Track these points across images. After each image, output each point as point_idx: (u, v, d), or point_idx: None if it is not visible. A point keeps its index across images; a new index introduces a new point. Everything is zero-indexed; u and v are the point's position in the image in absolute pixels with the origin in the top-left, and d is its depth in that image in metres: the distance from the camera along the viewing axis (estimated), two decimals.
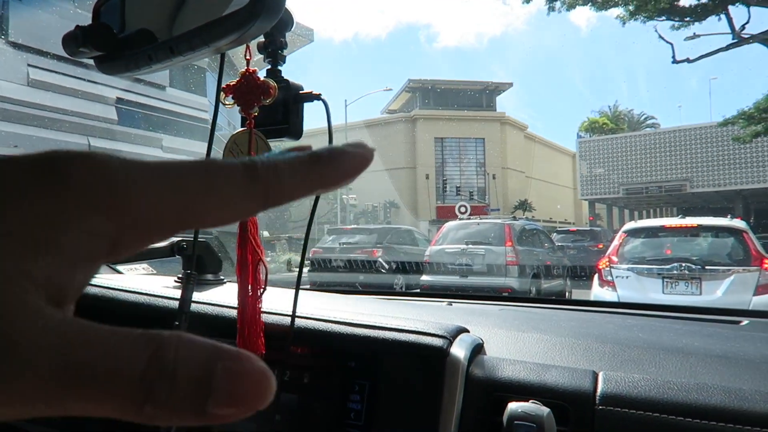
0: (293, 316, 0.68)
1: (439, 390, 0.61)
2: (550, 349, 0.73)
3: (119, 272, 1.02)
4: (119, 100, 15.99)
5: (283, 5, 0.58)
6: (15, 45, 14.04)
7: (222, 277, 0.96)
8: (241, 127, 0.71)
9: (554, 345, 0.74)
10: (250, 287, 0.66)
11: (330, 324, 0.70)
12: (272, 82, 0.69)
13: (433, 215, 29.17)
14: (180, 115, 17.55)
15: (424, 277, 8.11)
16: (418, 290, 7.14)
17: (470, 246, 7.95)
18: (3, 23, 13.42)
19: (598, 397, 0.59)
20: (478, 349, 0.67)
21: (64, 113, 14.56)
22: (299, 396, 0.68)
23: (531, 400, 0.58)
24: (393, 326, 0.68)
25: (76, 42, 0.68)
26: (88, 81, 14.88)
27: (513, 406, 0.58)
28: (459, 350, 0.64)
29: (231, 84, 0.69)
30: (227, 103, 0.69)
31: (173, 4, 0.65)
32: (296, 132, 0.76)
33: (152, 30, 0.67)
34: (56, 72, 14.47)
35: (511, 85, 38.67)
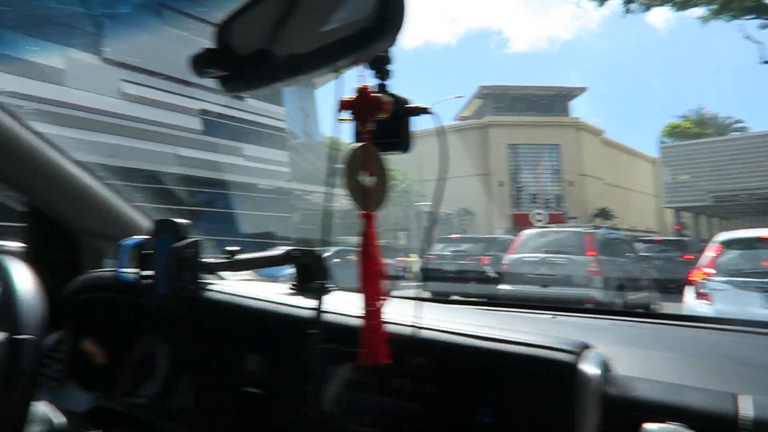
0: (415, 326, 0.69)
1: (571, 407, 0.60)
2: (677, 367, 0.69)
3: (222, 278, 1.07)
4: (203, 111, 16.80)
5: (405, 22, 0.59)
6: (109, 61, 15.10)
7: (329, 286, 0.98)
8: (356, 141, 0.72)
9: (681, 363, 0.70)
10: (371, 297, 0.68)
11: (453, 336, 0.71)
12: (386, 98, 0.71)
13: (507, 223, 28.64)
14: (259, 125, 18.22)
15: (503, 286, 7.96)
16: (502, 300, 7.02)
17: (550, 255, 7.73)
18: (98, 42, 14.43)
19: (741, 421, 0.55)
20: (606, 366, 0.65)
21: (153, 124, 15.48)
22: (424, 406, 0.69)
23: (668, 422, 0.56)
24: (517, 340, 0.67)
25: (202, 63, 0.72)
26: (175, 93, 15.75)
27: (651, 427, 0.55)
28: (590, 366, 0.62)
29: (347, 99, 0.71)
30: (343, 118, 0.71)
31: (295, 25, 0.67)
32: (406, 145, 0.77)
33: (273, 51, 0.70)
34: (146, 86, 15.42)
35: (585, 89, 37.43)
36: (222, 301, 0.88)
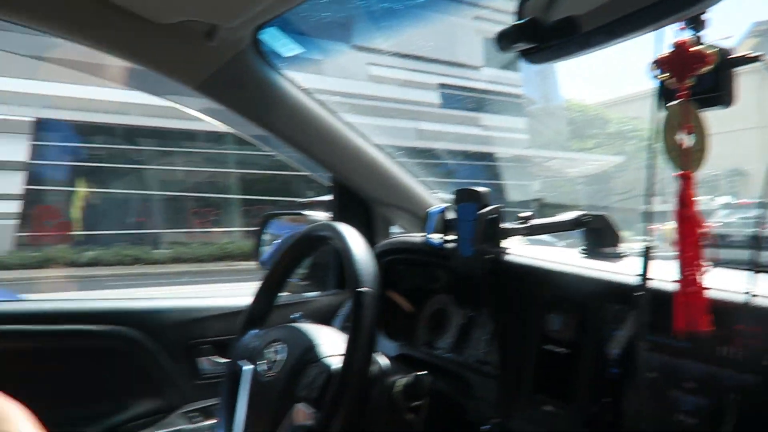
0: (746, 293, 0.65)
1: None
2: None
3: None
4: (441, 85, 17.33)
5: None
6: (357, 48, 16.49)
7: (619, 251, 0.97)
8: (672, 99, 0.69)
9: None
10: (690, 262, 0.65)
11: None
12: (709, 50, 0.66)
13: None
14: (495, 93, 18.13)
15: None
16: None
17: None
18: (347, 32, 15.80)
19: None
20: None
21: (396, 102, 16.53)
22: (756, 377, 0.65)
23: None
24: None
25: (510, 38, 0.76)
26: (415, 71, 16.53)
27: None
28: None
29: (663, 56, 0.68)
30: (660, 76, 0.68)
31: None
32: (728, 99, 0.71)
33: (580, 17, 0.71)
34: (389, 66, 16.46)
35: None
36: (522, 264, 0.93)
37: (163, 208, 14.85)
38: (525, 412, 0.87)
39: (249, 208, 15.64)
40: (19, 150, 12.48)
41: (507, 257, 0.95)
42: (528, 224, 0.98)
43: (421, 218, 1.52)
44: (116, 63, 1.22)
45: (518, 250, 0.96)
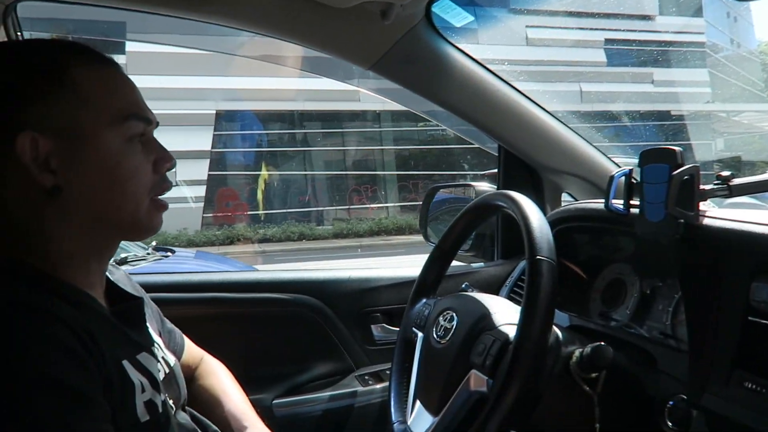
0: None
1: None
2: None
3: None
4: (607, 41, 16.00)
5: None
6: (514, 11, 15.83)
7: None
8: None
9: None
10: None
11: None
12: None
13: None
14: (672, 44, 16.27)
15: None
16: None
17: None
18: None
19: None
20: None
21: (558, 65, 15.62)
22: None
23: None
24: None
25: None
26: (578, 29, 15.45)
27: None
28: None
29: None
30: None
31: None
32: None
33: None
34: (549, 27, 15.58)
35: None
36: (723, 228, 0.83)
37: (324, 187, 15.85)
38: (720, 389, 0.79)
39: (404, 183, 16.05)
40: (205, 140, 14.16)
41: (704, 221, 0.84)
42: (729, 184, 0.86)
43: (594, 184, 1.43)
44: (292, 51, 1.30)
45: (716, 212, 0.86)
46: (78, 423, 0.57)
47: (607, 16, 15.35)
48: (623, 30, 15.94)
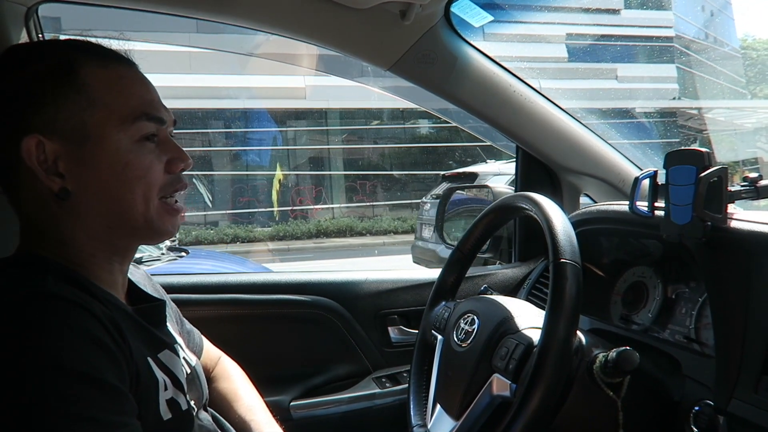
0: None
1: None
2: None
3: None
4: (569, 36, 16.07)
5: None
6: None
7: None
8: None
9: None
10: None
11: None
12: None
13: None
14: (638, 39, 16.45)
15: None
16: None
17: None
18: None
19: None
20: None
21: (515, 60, 15.53)
22: None
23: None
24: None
25: None
26: (536, 23, 15.44)
27: None
28: None
29: None
30: None
31: None
32: None
33: None
34: (506, 22, 15.53)
35: None
36: (753, 231, 0.83)
37: (266, 188, 15.38)
38: (748, 395, 0.79)
39: (352, 184, 15.70)
40: None
41: (732, 223, 0.86)
42: (757, 186, 0.87)
43: (613, 186, 1.44)
44: (309, 51, 1.28)
45: (744, 215, 0.87)
46: (108, 416, 0.56)
47: (570, 10, 15.41)
48: (585, 24, 16.02)
